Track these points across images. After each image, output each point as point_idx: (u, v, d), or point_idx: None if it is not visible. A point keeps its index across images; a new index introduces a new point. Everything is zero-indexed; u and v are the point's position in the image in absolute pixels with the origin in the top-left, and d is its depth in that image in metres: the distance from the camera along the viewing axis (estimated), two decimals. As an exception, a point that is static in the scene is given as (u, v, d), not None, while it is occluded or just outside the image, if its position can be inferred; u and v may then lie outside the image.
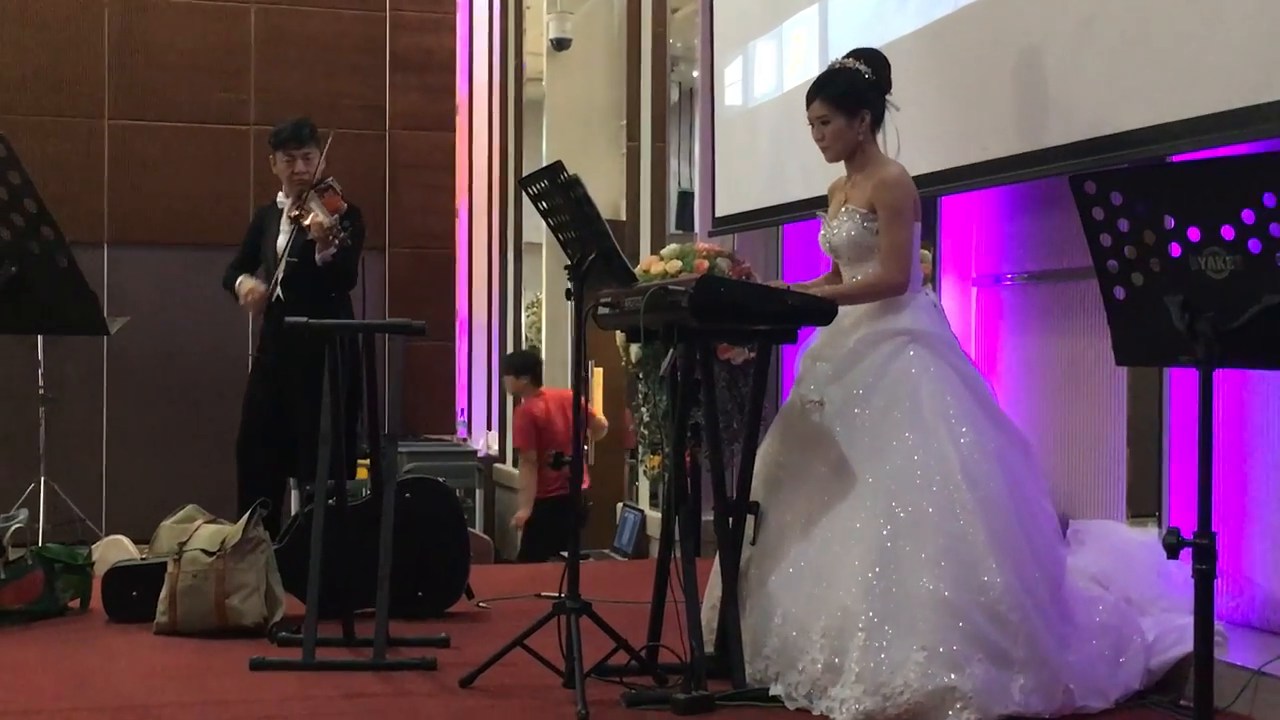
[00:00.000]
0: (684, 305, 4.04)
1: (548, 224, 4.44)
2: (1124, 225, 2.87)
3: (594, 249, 4.19)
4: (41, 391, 9.80)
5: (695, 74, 8.22)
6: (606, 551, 8.23)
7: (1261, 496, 4.27)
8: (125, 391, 11.04)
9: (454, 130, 11.71)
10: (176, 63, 11.08)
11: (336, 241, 5.79)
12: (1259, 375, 4.22)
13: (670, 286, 4.12)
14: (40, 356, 9.82)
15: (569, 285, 4.30)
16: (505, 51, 10.51)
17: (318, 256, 5.87)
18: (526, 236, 10.29)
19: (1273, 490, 4.28)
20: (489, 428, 11.23)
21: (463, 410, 11.82)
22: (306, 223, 5.84)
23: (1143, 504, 4.75)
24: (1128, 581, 4.43)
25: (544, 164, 9.15)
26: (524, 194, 4.50)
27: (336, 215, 5.84)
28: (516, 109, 10.32)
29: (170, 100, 11.04)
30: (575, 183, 4.16)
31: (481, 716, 3.99)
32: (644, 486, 7.79)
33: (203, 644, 4.89)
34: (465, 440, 11.36)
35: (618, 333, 5.80)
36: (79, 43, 10.93)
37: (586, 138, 9.37)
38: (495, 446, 10.74)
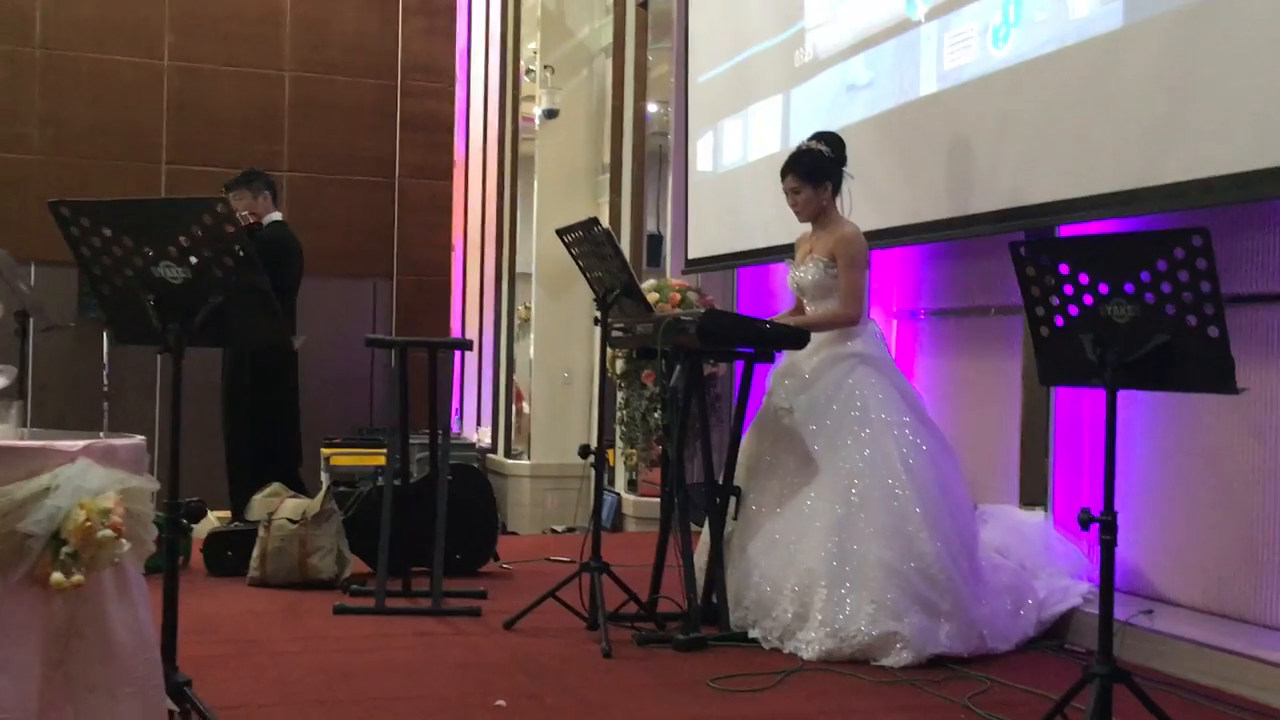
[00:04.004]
0: (691, 331, 4.13)
1: (578, 264, 4.46)
2: (1050, 280, 2.93)
3: (618, 285, 4.29)
4: (105, 389, 9.82)
5: (670, 136, 8.33)
6: (587, 526, 8.28)
7: (1126, 489, 4.40)
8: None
9: (451, 180, 11.83)
10: (223, 119, 11.12)
11: None
12: (1125, 395, 4.43)
13: (683, 317, 4.20)
14: (105, 360, 9.83)
15: (596, 314, 4.37)
16: (503, 116, 10.63)
17: None
18: (518, 268, 10.42)
19: (1133, 484, 4.42)
20: (479, 424, 11.35)
21: (456, 409, 11.92)
22: None
23: (1032, 494, 4.85)
24: (1022, 552, 4.53)
25: (535, 210, 9.28)
26: (559, 238, 4.47)
27: None
28: (513, 162, 10.37)
29: (217, 150, 11.08)
30: (607, 237, 4.24)
31: (526, 651, 4.05)
32: (621, 472, 7.79)
33: (290, 594, 4.96)
34: (459, 434, 11.46)
35: (610, 350, 5.90)
36: (143, 104, 10.92)
37: (570, 190, 9.47)
38: (488, 439, 10.82)
